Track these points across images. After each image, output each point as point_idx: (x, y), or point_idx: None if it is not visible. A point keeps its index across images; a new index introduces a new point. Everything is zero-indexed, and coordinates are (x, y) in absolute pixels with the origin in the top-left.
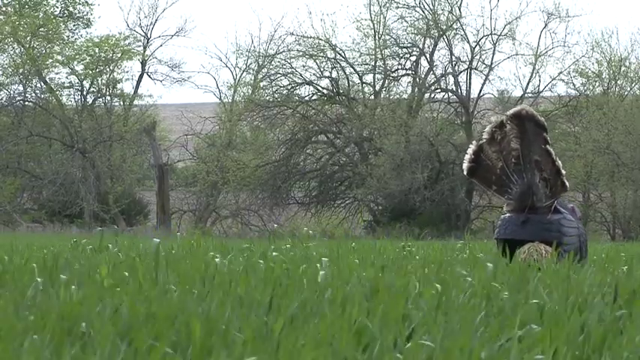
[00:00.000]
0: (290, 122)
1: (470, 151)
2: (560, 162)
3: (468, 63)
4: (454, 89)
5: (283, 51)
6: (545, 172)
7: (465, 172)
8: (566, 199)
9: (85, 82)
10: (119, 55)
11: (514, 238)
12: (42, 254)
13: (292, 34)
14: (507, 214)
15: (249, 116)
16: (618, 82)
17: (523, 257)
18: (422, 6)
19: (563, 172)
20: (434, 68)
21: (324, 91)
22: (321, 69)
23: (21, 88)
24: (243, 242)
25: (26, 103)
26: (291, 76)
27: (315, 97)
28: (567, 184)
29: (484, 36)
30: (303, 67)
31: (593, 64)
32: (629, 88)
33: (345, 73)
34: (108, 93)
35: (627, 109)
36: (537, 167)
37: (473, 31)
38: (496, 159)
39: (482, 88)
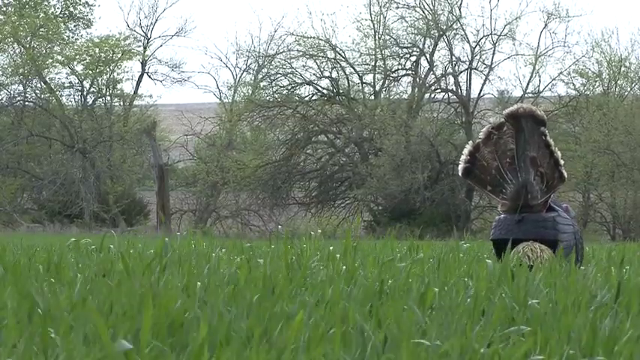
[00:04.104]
0: (290, 122)
1: (465, 151)
2: (559, 153)
3: (468, 63)
4: (454, 89)
5: (283, 51)
6: (542, 166)
7: (460, 173)
8: (565, 200)
9: (85, 83)
10: (119, 55)
11: (510, 237)
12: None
13: (292, 34)
14: (502, 215)
15: (249, 116)
16: (618, 82)
17: (518, 257)
18: (422, 6)
19: (562, 162)
20: (434, 68)
21: (324, 92)
22: (321, 69)
23: (21, 88)
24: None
25: (26, 103)
26: (291, 76)
27: (315, 97)
28: (565, 174)
29: (484, 36)
30: (303, 67)
31: (593, 64)
32: (629, 89)
33: (345, 73)
34: (108, 93)
35: (627, 110)
36: (533, 164)
37: (473, 31)
38: (491, 159)
39: (482, 88)
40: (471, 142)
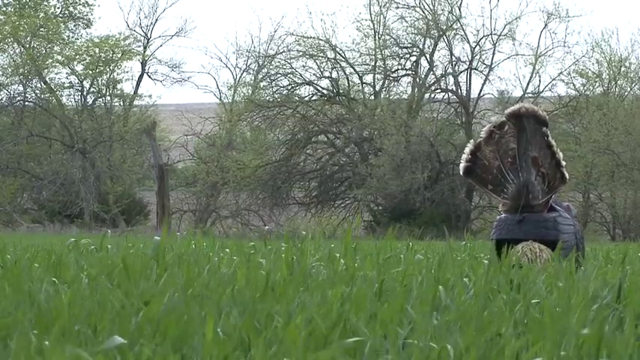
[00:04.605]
0: (290, 122)
1: (467, 150)
2: (561, 154)
3: (468, 63)
4: (454, 89)
5: (283, 51)
6: (544, 166)
7: (461, 172)
8: (565, 199)
9: (85, 83)
10: (119, 55)
11: (511, 237)
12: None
13: (292, 34)
14: (503, 215)
15: (249, 116)
16: (618, 82)
17: (517, 257)
18: (422, 6)
19: (564, 163)
20: (434, 68)
21: (324, 92)
22: (321, 69)
23: (21, 88)
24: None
25: (26, 103)
26: (291, 76)
27: (315, 98)
28: (567, 175)
29: (484, 36)
30: (303, 67)
31: (593, 64)
32: (629, 89)
33: (345, 73)
34: (108, 93)
35: (627, 110)
36: (535, 164)
37: (473, 31)
38: (493, 158)
39: (482, 88)
40: (472, 141)
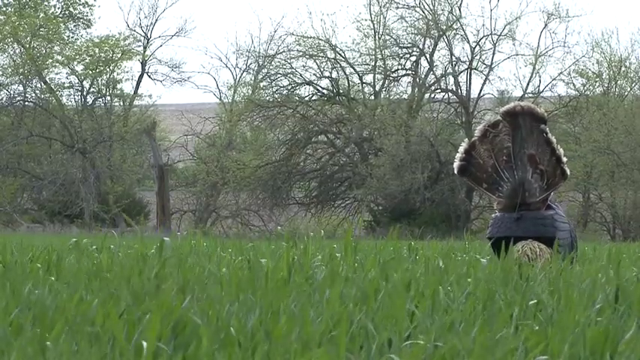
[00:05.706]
0: (290, 122)
1: (461, 149)
2: (561, 150)
3: (467, 63)
4: (454, 89)
5: (283, 51)
6: (542, 163)
7: (455, 171)
8: (565, 199)
9: (85, 83)
10: (119, 55)
11: (508, 235)
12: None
13: (292, 34)
14: (499, 213)
15: (249, 116)
16: (618, 82)
17: (517, 256)
18: (422, 6)
19: (564, 159)
20: (434, 68)
21: (324, 92)
22: (321, 69)
23: (21, 88)
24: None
25: (26, 103)
26: (291, 76)
27: (315, 98)
28: (568, 171)
29: (484, 36)
30: (303, 67)
31: (593, 64)
32: (629, 89)
33: (345, 73)
34: (108, 93)
35: (627, 110)
36: (531, 161)
37: (473, 31)
38: (487, 157)
39: (482, 88)
40: (466, 140)
